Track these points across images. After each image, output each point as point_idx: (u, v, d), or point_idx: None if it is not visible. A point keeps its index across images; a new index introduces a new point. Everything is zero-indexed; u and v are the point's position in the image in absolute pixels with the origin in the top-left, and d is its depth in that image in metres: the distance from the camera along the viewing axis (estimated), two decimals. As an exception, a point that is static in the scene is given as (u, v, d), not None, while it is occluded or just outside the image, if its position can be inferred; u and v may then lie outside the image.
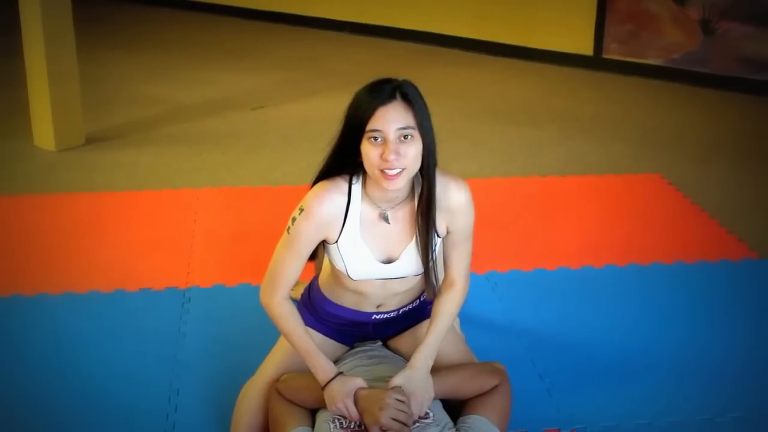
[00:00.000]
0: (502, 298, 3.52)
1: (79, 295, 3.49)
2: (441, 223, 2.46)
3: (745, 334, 3.29)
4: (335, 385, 2.39)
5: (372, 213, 2.43)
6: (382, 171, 2.27)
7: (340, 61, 7.17)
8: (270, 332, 2.80)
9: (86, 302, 3.43)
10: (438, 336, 2.51)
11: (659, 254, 3.89)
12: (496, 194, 4.54)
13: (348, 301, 2.63)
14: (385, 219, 2.44)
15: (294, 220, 2.40)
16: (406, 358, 2.67)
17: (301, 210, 2.39)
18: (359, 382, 2.40)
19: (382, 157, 2.25)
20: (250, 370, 2.71)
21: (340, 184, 2.40)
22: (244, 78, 6.88)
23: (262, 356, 2.73)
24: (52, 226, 4.12)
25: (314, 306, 2.62)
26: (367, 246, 2.44)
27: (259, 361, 2.72)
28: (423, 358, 2.47)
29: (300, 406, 2.49)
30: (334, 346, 2.70)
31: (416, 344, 2.62)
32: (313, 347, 2.45)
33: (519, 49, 7.45)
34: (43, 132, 5.11)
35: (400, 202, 2.44)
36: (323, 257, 2.67)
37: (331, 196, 2.38)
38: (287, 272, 2.45)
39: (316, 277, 2.74)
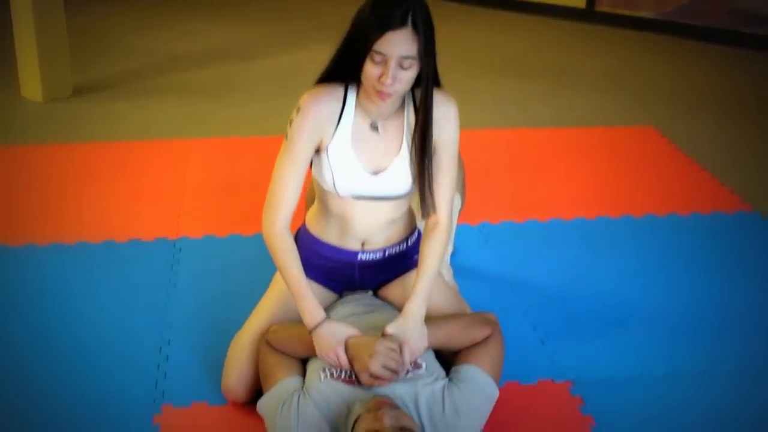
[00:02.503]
0: (494, 250, 3.50)
1: (68, 245, 3.45)
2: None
3: (738, 287, 3.28)
4: (324, 331, 2.38)
5: (363, 123, 2.44)
6: (375, 89, 2.29)
7: (333, 14, 7.08)
8: (261, 282, 2.80)
9: (75, 253, 3.40)
10: (428, 281, 2.49)
11: (652, 206, 3.88)
12: (488, 146, 4.50)
13: (333, 236, 2.60)
14: (375, 128, 2.44)
15: (291, 122, 2.40)
16: (397, 308, 2.66)
17: (298, 110, 2.39)
18: (350, 329, 2.39)
19: (380, 79, 2.25)
20: (241, 321, 2.69)
21: (336, 89, 2.41)
22: (235, 29, 6.80)
23: (252, 306, 2.71)
24: (40, 176, 4.07)
25: (300, 250, 2.58)
26: (356, 155, 2.43)
27: (249, 312, 2.70)
28: (416, 306, 2.45)
29: (290, 356, 2.47)
30: (323, 293, 2.68)
31: (406, 292, 2.61)
32: (305, 288, 2.43)
33: (511, 1, 7.39)
34: (30, 83, 5.04)
35: (390, 115, 2.45)
36: (313, 197, 2.68)
37: (327, 98, 2.39)
38: (288, 188, 2.42)
39: (303, 224, 2.72)
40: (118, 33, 6.61)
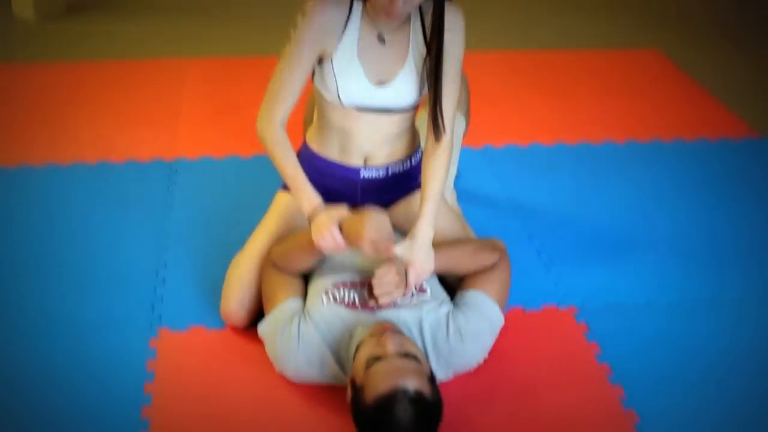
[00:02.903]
0: (498, 173, 3.43)
1: (63, 166, 3.38)
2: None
3: (745, 214, 3.22)
4: (321, 215, 2.33)
5: (370, 32, 2.37)
6: (385, 10, 2.24)
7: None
8: (259, 205, 2.74)
9: (70, 174, 3.33)
10: (434, 203, 2.43)
11: (658, 131, 3.80)
12: (490, 68, 4.40)
13: (335, 151, 2.54)
14: (382, 40, 2.38)
15: (296, 27, 2.33)
16: (401, 231, 2.60)
17: (303, 13, 2.33)
18: (344, 211, 2.34)
19: (392, 1, 2.20)
20: (239, 243, 2.64)
21: None
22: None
23: (250, 229, 2.65)
24: (34, 96, 3.97)
25: (305, 165, 2.51)
26: (361, 65, 2.37)
27: (245, 234, 2.64)
28: (423, 228, 2.39)
29: (293, 277, 2.42)
30: None
31: (410, 215, 2.56)
32: (301, 177, 2.39)
33: None
34: (22, 0, 4.91)
35: (397, 26, 2.39)
36: (311, 117, 2.64)
37: (334, 4, 2.34)
38: (287, 89, 2.37)
39: (303, 143, 2.65)
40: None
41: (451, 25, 2.36)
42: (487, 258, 2.47)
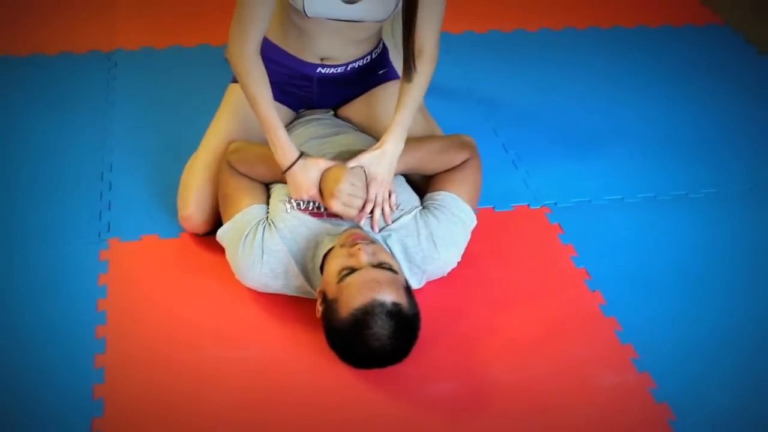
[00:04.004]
0: (456, 62, 3.26)
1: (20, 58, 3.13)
2: None
3: (714, 104, 3.12)
4: (298, 170, 2.14)
5: None
6: None
7: None
8: (209, 98, 2.57)
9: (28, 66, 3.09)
10: (409, 113, 2.23)
11: (620, 17, 3.64)
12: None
13: (292, 46, 2.34)
14: None
15: None
16: (360, 129, 2.47)
17: None
18: (322, 164, 2.16)
19: None
20: (189, 141, 2.47)
21: None
22: None
23: (200, 124, 2.47)
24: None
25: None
26: None
27: (197, 131, 2.47)
28: (395, 139, 2.20)
29: (253, 182, 2.26)
30: (278, 109, 2.43)
31: (371, 112, 2.43)
32: (277, 122, 2.17)
33: None
34: None
35: None
36: None
37: None
38: (258, 10, 2.10)
39: None
40: None
41: None
42: (456, 156, 2.33)
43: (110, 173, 2.60)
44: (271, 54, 2.33)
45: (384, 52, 2.52)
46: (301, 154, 2.16)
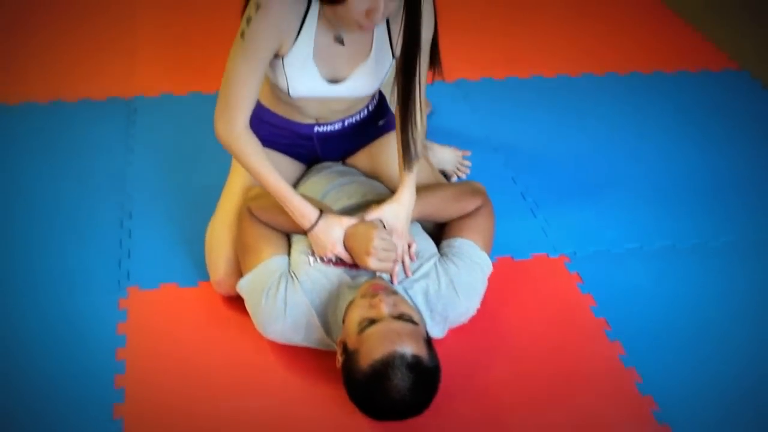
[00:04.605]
0: (475, 109, 3.28)
1: (12, 107, 3.15)
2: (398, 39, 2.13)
3: (732, 151, 3.11)
4: (320, 231, 2.14)
5: (327, 34, 2.12)
6: (359, 23, 1.97)
7: None
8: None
9: (20, 115, 3.11)
10: (415, 169, 2.23)
11: (637, 63, 3.65)
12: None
13: (283, 111, 2.35)
14: (340, 41, 2.14)
15: (249, 21, 2.03)
16: (371, 176, 2.48)
17: (258, 7, 2.02)
18: (344, 221, 2.16)
19: (369, 15, 1.93)
20: (209, 189, 2.50)
21: None
22: None
23: (219, 172, 2.49)
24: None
25: (253, 123, 2.24)
26: (316, 66, 2.15)
27: (217, 178, 2.49)
28: (409, 191, 2.21)
29: (274, 231, 2.25)
30: (290, 163, 2.45)
31: (374, 164, 2.45)
32: (286, 188, 2.16)
33: None
34: None
35: None
36: None
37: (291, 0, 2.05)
38: (245, 90, 2.08)
39: None
40: None
41: (424, 11, 2.09)
42: (468, 203, 2.34)
43: (130, 220, 2.61)
44: (267, 118, 2.35)
45: (381, 102, 2.53)
46: (321, 213, 2.16)
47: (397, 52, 2.12)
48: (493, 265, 2.31)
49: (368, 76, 2.22)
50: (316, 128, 2.38)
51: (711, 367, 2.23)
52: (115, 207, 2.66)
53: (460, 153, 2.83)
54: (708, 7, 4.24)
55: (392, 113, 2.54)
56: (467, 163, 2.82)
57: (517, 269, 2.50)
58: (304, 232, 2.18)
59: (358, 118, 2.43)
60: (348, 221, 2.16)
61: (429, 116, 3.17)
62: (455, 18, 3.88)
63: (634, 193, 2.85)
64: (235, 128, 2.11)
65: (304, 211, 2.15)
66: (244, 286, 2.19)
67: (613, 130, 3.19)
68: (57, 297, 2.34)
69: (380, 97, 2.52)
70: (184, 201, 2.66)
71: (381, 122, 2.48)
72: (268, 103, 2.37)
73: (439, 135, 2.96)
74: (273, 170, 2.15)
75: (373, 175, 2.50)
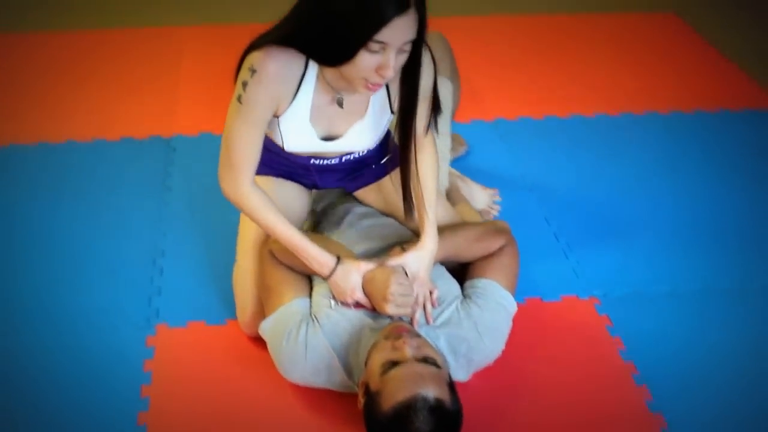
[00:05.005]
0: (511, 148, 3.27)
1: (55, 145, 3.22)
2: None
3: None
4: (339, 278, 2.15)
5: (325, 97, 2.11)
6: (366, 80, 1.93)
7: None
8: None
9: (63, 153, 3.17)
10: (433, 206, 2.25)
11: (678, 102, 3.62)
12: (501, 33, 4.21)
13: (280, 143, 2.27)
14: (340, 104, 2.13)
15: (245, 85, 2.03)
16: (386, 213, 2.48)
17: (253, 72, 2.01)
18: (362, 266, 2.16)
19: (379, 71, 1.89)
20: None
21: (295, 56, 2.02)
22: None
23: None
24: (23, 69, 3.79)
25: None
26: (312, 127, 2.15)
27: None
28: (431, 237, 2.22)
29: (296, 273, 2.26)
30: (297, 191, 2.42)
31: (385, 203, 2.45)
32: (300, 238, 2.15)
33: None
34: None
35: None
36: None
37: (288, 59, 2.02)
38: (246, 150, 2.09)
39: None
40: None
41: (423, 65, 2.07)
42: (492, 242, 2.33)
43: (162, 258, 2.64)
44: (266, 143, 2.24)
45: (385, 140, 2.43)
46: (338, 260, 2.16)
47: (396, 106, 2.14)
48: (522, 307, 2.30)
49: (365, 133, 2.21)
50: (312, 161, 2.33)
51: (742, 414, 2.18)
52: (149, 244, 2.70)
53: (492, 192, 2.82)
54: (751, 44, 4.20)
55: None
56: (497, 199, 2.81)
57: (546, 311, 2.48)
58: None
59: (356, 155, 2.36)
60: (366, 266, 2.16)
61: (464, 155, 3.17)
62: (495, 55, 3.90)
63: (669, 235, 2.82)
64: (240, 187, 2.12)
65: (321, 260, 2.15)
66: (266, 329, 2.20)
67: (651, 169, 3.17)
68: (87, 332, 2.37)
69: (386, 134, 2.46)
70: (217, 241, 2.68)
71: (384, 160, 2.45)
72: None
73: (473, 173, 2.95)
74: (284, 222, 2.15)
75: (387, 213, 2.50)
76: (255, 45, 2.04)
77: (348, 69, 1.92)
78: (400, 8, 1.81)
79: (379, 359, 1.96)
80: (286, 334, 2.12)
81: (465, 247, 2.33)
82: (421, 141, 2.24)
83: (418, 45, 1.94)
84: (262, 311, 2.28)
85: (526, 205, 2.94)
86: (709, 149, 3.30)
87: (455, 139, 3.15)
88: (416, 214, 2.28)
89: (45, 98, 3.54)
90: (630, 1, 4.73)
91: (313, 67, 2.04)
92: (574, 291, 2.56)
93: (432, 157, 2.29)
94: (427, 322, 2.17)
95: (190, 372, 2.25)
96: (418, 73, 2.01)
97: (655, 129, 3.43)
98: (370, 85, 1.94)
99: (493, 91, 3.59)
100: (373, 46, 1.84)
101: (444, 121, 2.54)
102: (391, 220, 2.46)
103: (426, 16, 1.89)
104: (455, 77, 2.73)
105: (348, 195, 2.57)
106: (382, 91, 2.16)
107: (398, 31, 1.83)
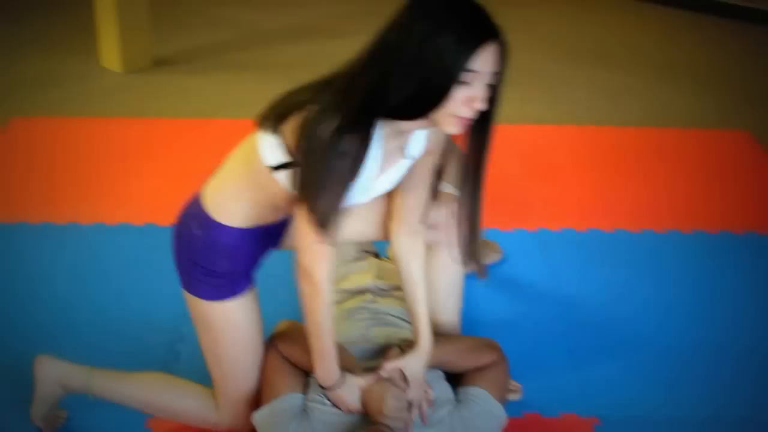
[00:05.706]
0: (548, 259, 3.29)
1: (109, 226, 3.40)
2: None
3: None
4: (340, 392, 2.22)
5: (392, 143, 2.02)
6: (460, 116, 1.85)
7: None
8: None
9: (115, 234, 3.35)
10: (426, 305, 2.32)
11: (729, 221, 3.57)
12: (565, 143, 4.24)
13: (260, 217, 2.19)
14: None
15: None
16: None
17: None
18: (362, 383, 2.24)
19: (473, 103, 1.83)
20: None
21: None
22: (327, 3, 6.56)
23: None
24: (101, 150, 4.01)
25: (234, 255, 2.20)
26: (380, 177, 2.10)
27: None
28: (425, 337, 2.29)
29: (295, 369, 2.33)
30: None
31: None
32: (331, 345, 2.16)
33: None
34: (110, 52, 4.98)
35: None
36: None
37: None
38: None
39: (219, 226, 2.20)
40: (205, 2, 6.41)
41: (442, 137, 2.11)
42: (483, 356, 2.38)
43: (180, 343, 2.75)
44: (253, 235, 2.20)
45: None
46: (342, 375, 2.22)
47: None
48: (519, 421, 2.33)
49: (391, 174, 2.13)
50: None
51: None
52: (170, 328, 2.81)
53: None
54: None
55: None
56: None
57: (541, 427, 2.47)
58: None
59: None
60: (364, 382, 2.23)
61: (499, 263, 3.20)
62: (554, 166, 3.92)
63: (696, 363, 2.78)
64: (324, 277, 2.06)
65: (332, 370, 2.19)
66: (259, 420, 2.27)
67: (690, 290, 3.14)
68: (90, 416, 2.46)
69: None
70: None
71: None
72: (250, 220, 2.19)
73: (504, 282, 3.00)
74: (332, 325, 2.16)
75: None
76: (314, 128, 1.98)
77: (438, 110, 1.85)
78: (492, 34, 1.80)
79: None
80: (277, 427, 2.20)
81: (458, 357, 2.38)
82: (416, 229, 2.28)
83: (496, 88, 1.88)
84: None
85: (548, 317, 2.95)
86: (733, 270, 3.26)
87: (490, 246, 3.20)
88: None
89: (109, 181, 3.73)
90: (705, 119, 4.69)
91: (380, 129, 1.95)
92: (574, 408, 2.54)
93: (422, 252, 2.33)
94: (423, 422, 2.22)
95: None
96: (492, 118, 1.95)
97: (700, 249, 3.39)
98: (463, 120, 1.86)
99: (540, 202, 3.62)
100: (466, 76, 1.79)
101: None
102: (394, 319, 2.53)
103: (507, 53, 1.85)
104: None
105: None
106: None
107: (490, 58, 1.80)
